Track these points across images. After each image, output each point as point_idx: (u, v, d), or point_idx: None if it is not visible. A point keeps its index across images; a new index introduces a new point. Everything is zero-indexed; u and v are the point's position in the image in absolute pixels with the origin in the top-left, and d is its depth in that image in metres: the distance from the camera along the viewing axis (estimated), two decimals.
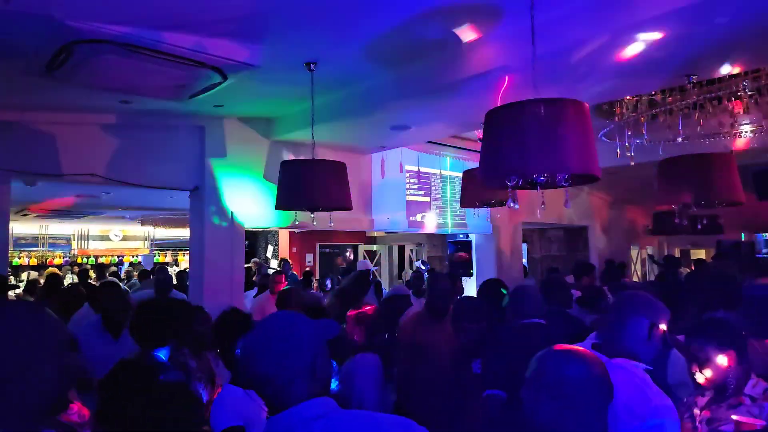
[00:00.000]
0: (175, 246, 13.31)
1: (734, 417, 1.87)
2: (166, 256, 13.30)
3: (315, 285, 8.40)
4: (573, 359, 1.33)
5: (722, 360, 1.92)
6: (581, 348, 1.47)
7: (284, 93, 4.20)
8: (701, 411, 1.98)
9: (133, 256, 13.04)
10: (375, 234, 13.07)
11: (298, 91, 3.93)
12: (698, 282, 4.01)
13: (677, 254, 13.37)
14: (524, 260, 9.04)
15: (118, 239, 12.96)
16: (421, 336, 3.23)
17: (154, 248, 13.17)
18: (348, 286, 5.01)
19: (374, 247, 13.68)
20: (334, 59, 3.52)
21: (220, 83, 3.47)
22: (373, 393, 2.80)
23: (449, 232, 7.44)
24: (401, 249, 13.72)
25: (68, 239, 12.28)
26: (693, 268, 8.39)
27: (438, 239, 11.62)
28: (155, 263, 12.18)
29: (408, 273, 11.89)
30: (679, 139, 4.60)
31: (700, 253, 13.16)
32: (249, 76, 3.52)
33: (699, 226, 3.90)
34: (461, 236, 8.84)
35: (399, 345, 3.32)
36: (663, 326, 1.82)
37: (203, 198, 4.75)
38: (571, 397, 1.27)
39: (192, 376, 2.48)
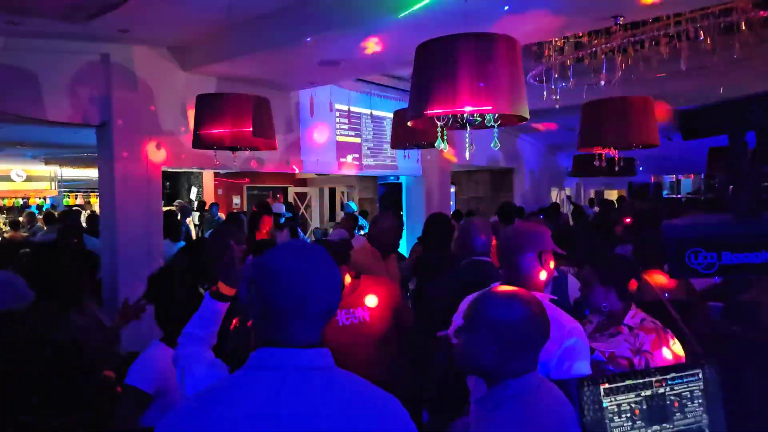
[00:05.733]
0: (87, 187, 12.37)
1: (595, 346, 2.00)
2: (77, 198, 12.36)
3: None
4: (514, 301, 1.33)
5: (604, 292, 2.07)
6: (519, 289, 1.48)
7: (199, 18, 3.82)
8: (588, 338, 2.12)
9: (39, 198, 12.00)
10: (305, 176, 12.79)
11: (216, 17, 3.59)
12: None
13: (592, 195, 14.23)
14: (452, 202, 9.24)
15: (22, 179, 11.83)
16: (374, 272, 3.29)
17: (62, 189, 12.18)
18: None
19: (305, 189, 13.44)
20: None
21: (122, 2, 3.07)
22: None
23: (379, 173, 7.39)
24: (332, 191, 13.58)
25: None
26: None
27: (369, 181, 11.57)
28: (66, 206, 11.32)
29: (341, 215, 11.85)
30: (602, 83, 4.71)
31: (612, 194, 14.08)
32: None
33: (617, 168, 4.10)
34: (392, 178, 8.84)
35: None
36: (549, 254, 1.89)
37: (111, 135, 4.33)
38: (513, 339, 1.27)
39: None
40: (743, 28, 4.58)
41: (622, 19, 3.58)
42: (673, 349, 1.97)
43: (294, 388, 1.00)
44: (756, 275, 1.00)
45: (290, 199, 12.73)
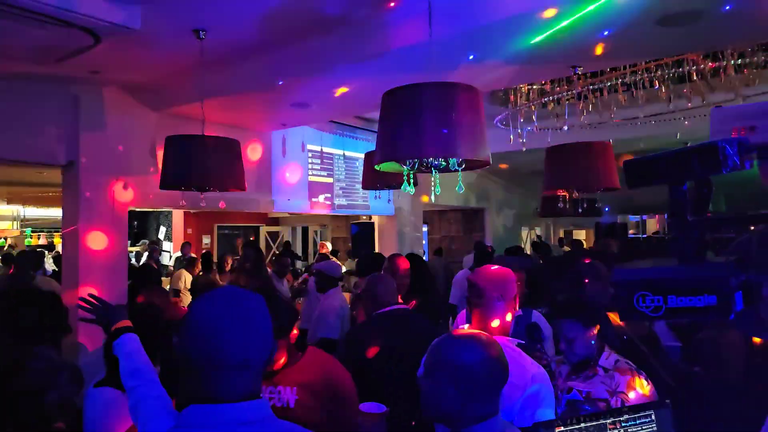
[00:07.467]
0: (51, 227, 12.02)
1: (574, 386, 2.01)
2: (39, 238, 11.99)
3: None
4: (471, 344, 1.34)
5: (589, 337, 2.09)
6: (478, 332, 1.49)
7: (171, 61, 3.86)
8: (564, 381, 2.13)
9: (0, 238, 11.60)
10: (278, 215, 12.73)
11: (188, 61, 3.64)
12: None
13: (561, 234, 14.53)
14: (425, 241, 9.30)
15: None
16: None
17: (25, 229, 11.81)
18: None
19: (277, 228, 13.35)
20: (226, 28, 3.29)
21: (93, 46, 3.10)
22: None
23: (351, 213, 7.42)
24: (305, 230, 13.51)
25: None
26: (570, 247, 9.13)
27: (342, 220, 11.58)
28: (27, 246, 10.95)
29: (317, 255, 11.75)
30: (565, 128, 4.91)
31: (581, 234, 14.41)
32: (128, 40, 3.18)
33: (579, 210, 4.23)
34: (364, 217, 8.88)
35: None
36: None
37: (78, 174, 4.27)
38: (471, 382, 1.27)
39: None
40: (695, 77, 4.88)
41: (580, 69, 3.78)
42: (645, 390, 2.00)
43: None
44: (698, 318, 1.04)
45: (262, 238, 12.61)
